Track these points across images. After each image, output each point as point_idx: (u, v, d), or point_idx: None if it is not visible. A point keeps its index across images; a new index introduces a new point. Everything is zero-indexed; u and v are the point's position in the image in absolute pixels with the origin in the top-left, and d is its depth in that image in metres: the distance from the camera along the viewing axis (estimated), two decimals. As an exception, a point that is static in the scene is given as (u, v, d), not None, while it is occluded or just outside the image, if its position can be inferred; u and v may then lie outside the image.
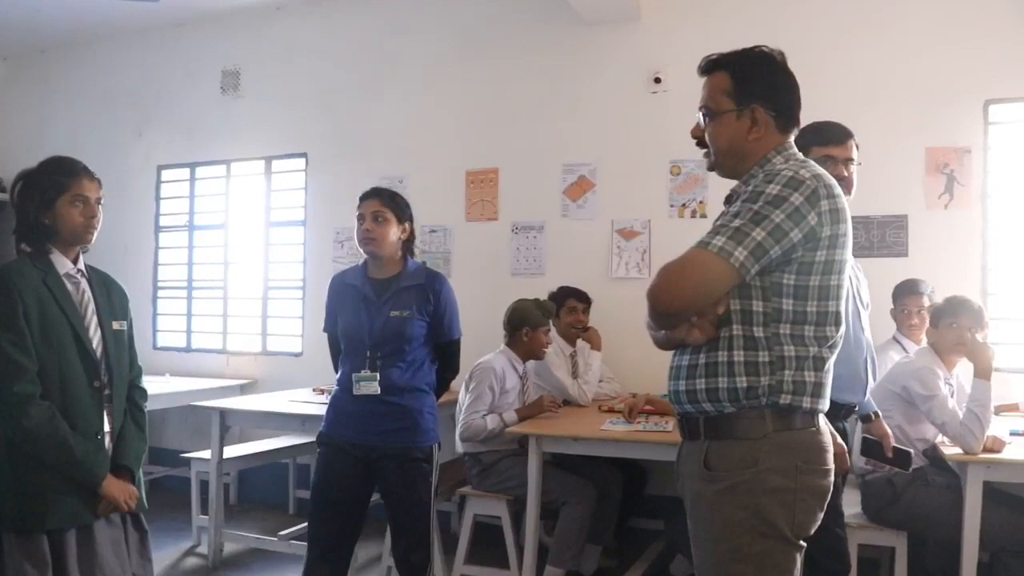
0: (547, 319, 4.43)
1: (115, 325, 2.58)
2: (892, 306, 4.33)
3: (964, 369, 3.78)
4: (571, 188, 5.39)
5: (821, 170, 1.92)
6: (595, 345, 4.95)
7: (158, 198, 6.82)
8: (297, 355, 6.20)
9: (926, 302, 4.15)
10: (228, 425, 4.76)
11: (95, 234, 2.56)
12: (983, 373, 3.43)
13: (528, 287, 5.24)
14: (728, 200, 2.04)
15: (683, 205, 5.08)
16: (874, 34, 4.80)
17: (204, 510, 5.04)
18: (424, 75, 5.88)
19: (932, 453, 3.65)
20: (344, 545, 3.20)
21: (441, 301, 3.23)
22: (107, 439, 2.52)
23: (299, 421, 4.61)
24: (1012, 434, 3.60)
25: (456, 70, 5.79)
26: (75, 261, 2.55)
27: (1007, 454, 3.33)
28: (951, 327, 3.66)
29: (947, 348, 3.67)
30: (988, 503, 3.34)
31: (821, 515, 1.95)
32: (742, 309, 1.90)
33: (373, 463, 3.13)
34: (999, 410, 4.02)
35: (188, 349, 6.59)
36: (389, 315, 3.12)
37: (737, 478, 1.89)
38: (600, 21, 5.27)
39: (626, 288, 5.18)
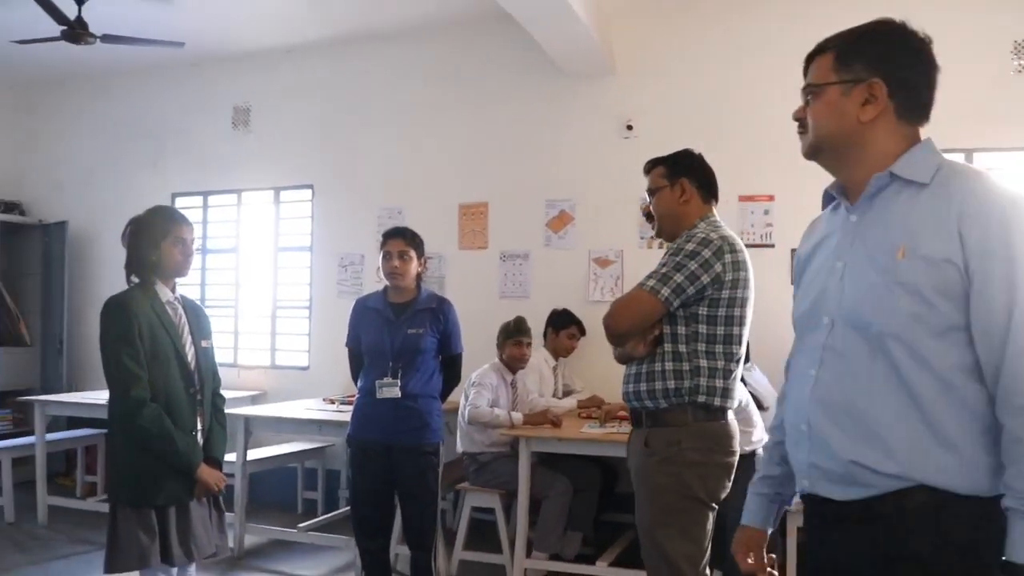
0: (517, 333, 5.12)
1: (203, 343, 3.19)
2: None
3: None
4: (553, 221, 6.05)
5: (729, 232, 2.71)
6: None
7: (173, 223, 7.36)
8: (304, 368, 6.79)
9: None
10: (251, 431, 5.38)
11: (189, 269, 3.19)
12: None
13: (515, 309, 5.85)
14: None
15: (652, 237, 5.72)
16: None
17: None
18: (421, 116, 6.47)
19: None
20: (384, 525, 3.88)
21: (449, 322, 3.91)
22: (199, 435, 3.13)
23: (316, 426, 5.23)
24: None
25: (451, 113, 6.38)
26: (173, 290, 3.16)
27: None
28: None
29: None
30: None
31: (729, 485, 2.70)
32: (671, 332, 2.67)
33: (392, 458, 3.76)
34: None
35: (202, 362, 7.14)
36: (407, 332, 3.78)
37: (666, 454, 2.65)
38: (579, 74, 5.87)
39: (601, 310, 5.68)
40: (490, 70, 6.30)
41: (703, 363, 2.63)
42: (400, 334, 3.78)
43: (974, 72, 4.87)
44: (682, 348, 2.62)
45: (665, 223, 2.87)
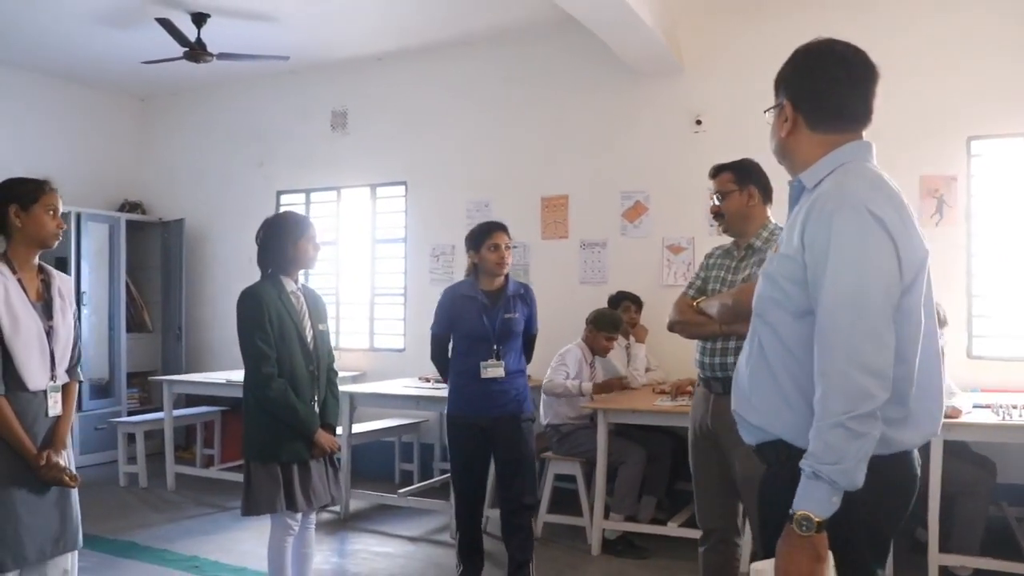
0: (610, 329, 5.47)
1: (320, 327, 3.71)
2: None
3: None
4: (628, 211, 6.46)
5: None
6: (639, 338, 6.00)
7: (278, 219, 8.00)
8: (400, 351, 7.33)
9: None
10: (355, 406, 5.96)
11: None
12: None
13: (594, 293, 6.30)
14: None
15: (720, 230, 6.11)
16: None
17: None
18: (504, 116, 6.93)
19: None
20: (480, 492, 4.31)
21: (533, 305, 4.35)
22: (316, 405, 3.66)
23: (415, 402, 5.78)
24: (974, 406, 4.57)
25: (531, 112, 6.82)
26: (296, 281, 3.67)
27: (965, 419, 4.31)
28: None
29: None
30: (948, 457, 4.34)
31: None
32: None
33: (491, 429, 4.14)
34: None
35: (307, 346, 7.78)
36: (504, 317, 4.17)
37: None
38: (649, 73, 6.25)
39: (675, 294, 6.11)
40: (566, 72, 6.70)
41: None
42: (498, 319, 4.15)
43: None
44: None
45: (734, 222, 3.30)
